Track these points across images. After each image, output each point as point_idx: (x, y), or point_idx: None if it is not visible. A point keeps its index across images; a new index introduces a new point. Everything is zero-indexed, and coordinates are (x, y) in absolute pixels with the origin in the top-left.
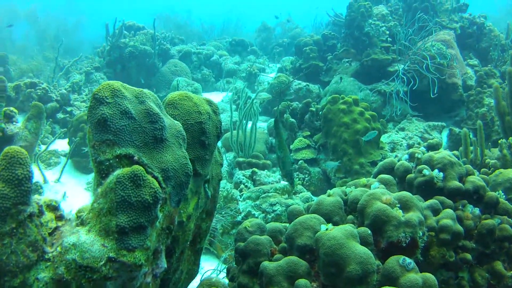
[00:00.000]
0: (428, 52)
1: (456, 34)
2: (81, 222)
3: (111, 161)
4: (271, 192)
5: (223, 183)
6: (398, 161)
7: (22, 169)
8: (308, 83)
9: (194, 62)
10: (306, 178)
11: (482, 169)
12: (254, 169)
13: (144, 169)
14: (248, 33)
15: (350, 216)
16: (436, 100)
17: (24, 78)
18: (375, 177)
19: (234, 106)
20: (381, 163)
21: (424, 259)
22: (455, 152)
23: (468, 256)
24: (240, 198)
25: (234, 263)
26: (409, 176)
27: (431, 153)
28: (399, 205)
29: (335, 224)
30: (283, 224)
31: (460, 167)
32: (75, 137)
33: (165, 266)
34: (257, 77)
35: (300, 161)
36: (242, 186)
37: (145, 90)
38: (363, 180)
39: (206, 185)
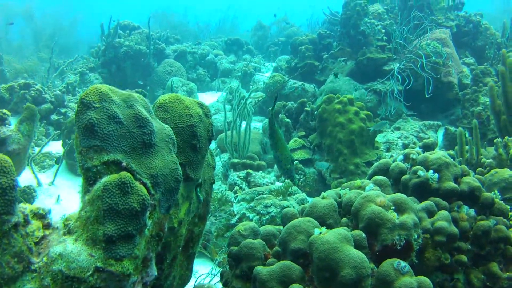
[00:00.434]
0: (424, 51)
1: (452, 33)
2: (68, 231)
3: (98, 167)
4: (266, 193)
5: (217, 185)
6: (393, 162)
7: (6, 178)
8: (303, 83)
9: (190, 62)
10: (301, 179)
11: (478, 169)
12: (249, 170)
13: (132, 176)
14: (243, 32)
15: (344, 219)
16: (431, 99)
17: (18, 79)
18: (370, 178)
19: (228, 106)
20: (376, 164)
21: (419, 262)
22: (451, 151)
23: (464, 258)
24: (235, 200)
25: (228, 267)
26: (404, 177)
27: (426, 153)
28: (393, 207)
29: (329, 227)
30: (277, 227)
31: (455, 168)
32: (69, 139)
33: (156, 274)
34: (253, 77)
35: (295, 161)
36: (236, 187)
37: (134, 94)
38: (358, 181)
39: (198, 189)
